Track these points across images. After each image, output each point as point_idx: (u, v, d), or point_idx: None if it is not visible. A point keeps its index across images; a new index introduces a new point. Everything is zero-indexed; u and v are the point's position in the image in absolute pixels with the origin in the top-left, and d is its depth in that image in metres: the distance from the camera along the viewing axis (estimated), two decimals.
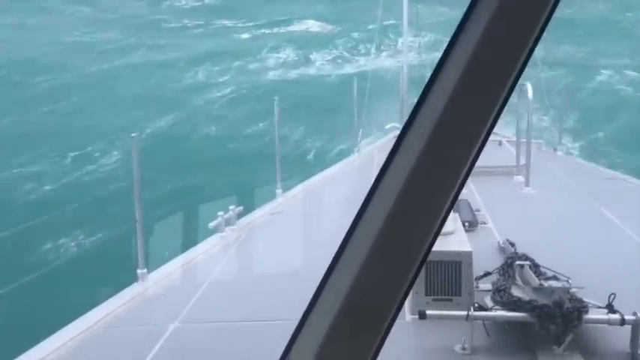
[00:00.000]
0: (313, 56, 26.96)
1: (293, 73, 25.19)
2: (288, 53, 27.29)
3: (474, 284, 4.26)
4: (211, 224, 6.11)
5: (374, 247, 0.73)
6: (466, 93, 0.70)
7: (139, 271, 5.01)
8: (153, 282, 5.01)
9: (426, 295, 4.11)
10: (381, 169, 0.73)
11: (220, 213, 6.25)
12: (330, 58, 26.83)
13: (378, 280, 0.74)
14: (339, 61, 26.45)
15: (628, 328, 3.52)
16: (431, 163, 0.71)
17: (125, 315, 4.48)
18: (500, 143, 9.87)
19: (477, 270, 4.40)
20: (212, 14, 33.29)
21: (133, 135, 5.14)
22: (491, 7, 0.69)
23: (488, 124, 0.72)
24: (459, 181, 0.73)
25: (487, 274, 4.43)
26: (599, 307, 3.61)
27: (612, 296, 3.60)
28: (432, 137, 0.70)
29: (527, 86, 7.53)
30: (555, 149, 9.60)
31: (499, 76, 0.70)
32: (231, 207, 6.48)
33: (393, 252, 0.73)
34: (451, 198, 0.74)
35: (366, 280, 0.74)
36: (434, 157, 0.71)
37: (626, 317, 3.49)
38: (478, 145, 0.72)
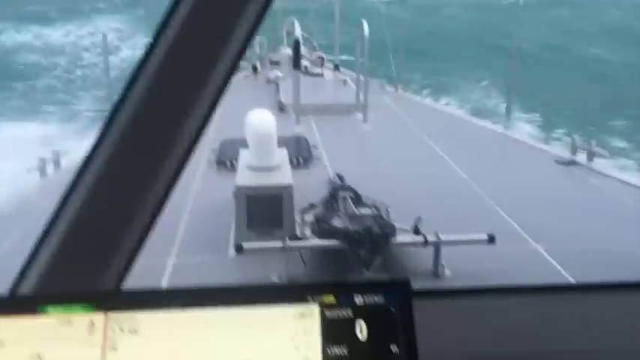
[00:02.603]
0: None
1: None
2: None
3: (300, 217, 4.34)
4: None
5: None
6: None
7: None
8: None
9: (248, 229, 4.12)
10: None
11: None
12: None
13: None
14: None
15: (431, 248, 3.76)
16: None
17: None
18: (345, 82, 10.02)
19: (306, 203, 4.49)
20: None
21: None
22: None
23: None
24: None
25: (312, 206, 4.53)
26: (407, 231, 3.81)
27: (418, 219, 3.81)
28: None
29: (364, 23, 7.63)
30: (396, 87, 9.94)
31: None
32: None
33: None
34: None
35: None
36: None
37: (429, 238, 3.72)
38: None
